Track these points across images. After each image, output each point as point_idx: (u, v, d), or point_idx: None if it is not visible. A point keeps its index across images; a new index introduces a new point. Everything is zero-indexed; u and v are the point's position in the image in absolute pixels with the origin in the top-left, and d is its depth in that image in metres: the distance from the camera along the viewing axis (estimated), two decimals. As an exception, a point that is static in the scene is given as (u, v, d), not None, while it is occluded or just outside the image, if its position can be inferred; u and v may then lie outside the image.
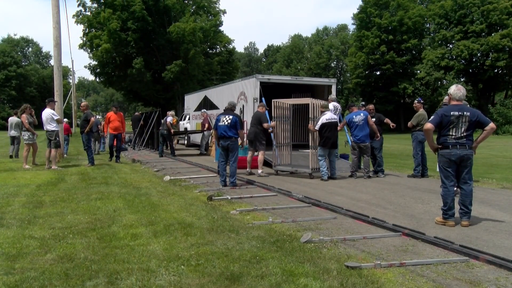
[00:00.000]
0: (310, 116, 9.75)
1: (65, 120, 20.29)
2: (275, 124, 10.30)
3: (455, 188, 5.51)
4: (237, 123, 8.50)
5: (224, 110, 9.02)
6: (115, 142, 13.49)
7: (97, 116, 15.09)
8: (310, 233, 4.70)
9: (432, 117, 5.65)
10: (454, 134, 5.34)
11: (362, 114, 9.76)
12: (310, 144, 9.89)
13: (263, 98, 12.23)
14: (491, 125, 5.32)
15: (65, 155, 16.14)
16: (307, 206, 6.61)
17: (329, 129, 9.35)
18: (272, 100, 10.37)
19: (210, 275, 3.58)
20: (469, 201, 5.36)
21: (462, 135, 5.31)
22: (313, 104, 9.79)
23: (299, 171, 10.17)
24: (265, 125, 10.15)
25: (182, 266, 3.76)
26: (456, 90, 5.48)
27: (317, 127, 9.42)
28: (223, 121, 8.53)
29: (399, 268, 3.85)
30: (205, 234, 4.82)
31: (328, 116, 9.44)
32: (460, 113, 5.31)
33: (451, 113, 5.34)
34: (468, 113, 5.31)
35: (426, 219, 5.72)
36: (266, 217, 5.74)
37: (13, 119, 14.43)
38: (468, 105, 5.96)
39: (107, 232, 4.90)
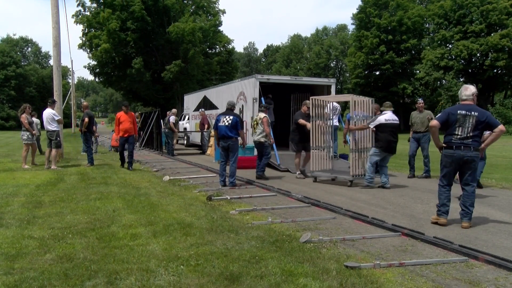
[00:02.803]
0: (351, 115, 9.17)
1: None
2: (310, 126, 9.51)
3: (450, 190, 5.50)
4: (237, 124, 8.50)
5: (226, 109, 8.94)
6: (126, 146, 11.65)
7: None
8: (309, 233, 4.70)
9: (439, 114, 5.62)
10: (460, 134, 5.25)
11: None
12: (321, 145, 9.50)
13: (262, 98, 12.23)
14: (500, 127, 5.19)
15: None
16: (307, 206, 6.61)
17: (390, 131, 8.40)
18: (310, 98, 9.60)
19: (209, 275, 3.58)
20: (470, 202, 5.31)
21: (468, 135, 5.21)
22: (354, 101, 9.02)
23: (339, 178, 9.18)
24: (300, 121, 9.87)
25: (182, 266, 3.76)
26: (462, 89, 5.44)
27: (371, 126, 8.52)
28: (224, 121, 8.52)
29: (398, 268, 3.85)
30: (205, 234, 4.82)
31: (387, 117, 8.44)
32: (467, 112, 5.22)
33: (458, 111, 5.27)
34: (477, 113, 5.20)
35: (426, 219, 5.72)
36: (265, 217, 5.74)
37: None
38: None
39: (107, 232, 4.90)
